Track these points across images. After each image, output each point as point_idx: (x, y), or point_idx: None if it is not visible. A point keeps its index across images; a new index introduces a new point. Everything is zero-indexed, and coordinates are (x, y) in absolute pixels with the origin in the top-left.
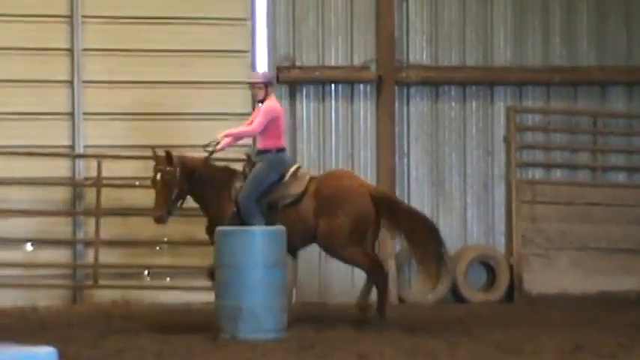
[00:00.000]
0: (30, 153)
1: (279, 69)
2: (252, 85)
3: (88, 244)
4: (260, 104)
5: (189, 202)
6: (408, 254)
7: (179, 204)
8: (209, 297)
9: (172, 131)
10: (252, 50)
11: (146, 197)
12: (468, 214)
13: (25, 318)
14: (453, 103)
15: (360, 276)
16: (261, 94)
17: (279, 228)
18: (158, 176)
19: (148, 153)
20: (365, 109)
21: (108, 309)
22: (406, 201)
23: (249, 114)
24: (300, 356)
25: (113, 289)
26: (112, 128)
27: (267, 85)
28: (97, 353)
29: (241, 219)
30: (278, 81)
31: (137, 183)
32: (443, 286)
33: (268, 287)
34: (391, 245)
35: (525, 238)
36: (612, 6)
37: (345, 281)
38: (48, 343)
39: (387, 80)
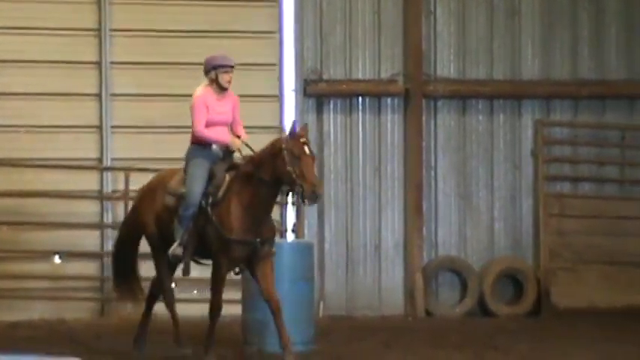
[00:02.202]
0: (58, 166)
1: (306, 82)
2: (227, 69)
3: None
4: (224, 90)
5: None
6: (435, 267)
7: None
8: (236, 310)
9: None
10: (279, 63)
11: None
12: (495, 228)
13: (53, 330)
14: (481, 117)
15: (386, 289)
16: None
17: (307, 242)
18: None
19: (176, 166)
20: (392, 122)
21: (135, 322)
22: (433, 214)
23: (276, 127)
24: None
25: (141, 302)
26: (140, 141)
27: None
28: None
29: None
30: (305, 94)
31: None
32: (471, 299)
33: (295, 301)
34: (418, 258)
35: (553, 252)
36: None
37: (371, 294)
38: (75, 355)
39: (415, 93)
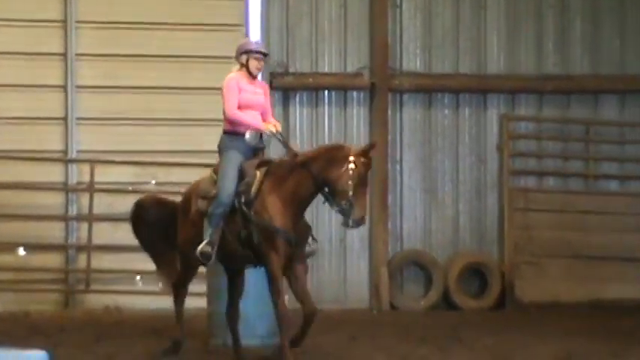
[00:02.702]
0: (23, 157)
1: (272, 75)
2: (258, 55)
3: (80, 248)
4: (255, 78)
5: None
6: (400, 261)
7: None
8: (201, 303)
9: (164, 137)
10: None
11: None
12: (460, 222)
13: (16, 322)
14: (446, 111)
15: (352, 282)
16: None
17: None
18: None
19: (141, 158)
20: (358, 116)
21: (100, 314)
22: (399, 208)
23: None
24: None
25: (105, 294)
26: (105, 133)
27: None
28: (89, 358)
29: None
30: (271, 87)
31: (130, 188)
32: (435, 293)
33: (260, 293)
34: (383, 252)
35: (518, 246)
36: (606, 14)
37: (337, 288)
38: (40, 347)
39: (381, 87)
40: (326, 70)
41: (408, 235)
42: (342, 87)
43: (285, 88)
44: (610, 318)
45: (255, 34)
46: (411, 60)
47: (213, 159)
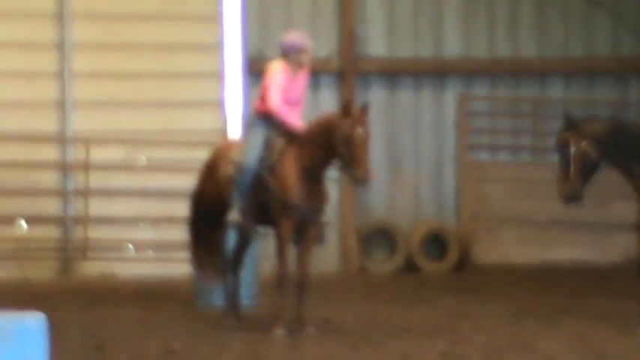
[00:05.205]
0: (24, 138)
1: (250, 60)
2: (308, 50)
3: (77, 220)
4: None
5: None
6: (368, 229)
7: None
8: (187, 268)
9: (152, 117)
10: (225, 44)
11: (129, 178)
12: (421, 193)
13: (17, 288)
14: (408, 92)
15: (324, 249)
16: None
17: None
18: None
19: (131, 137)
20: (329, 98)
21: (95, 280)
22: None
23: (218, 102)
24: (269, 321)
25: (100, 262)
26: (99, 115)
27: None
28: (84, 319)
29: None
30: (250, 73)
31: (122, 164)
32: (400, 257)
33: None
34: (353, 221)
35: (473, 214)
36: (551, 3)
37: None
38: (37, 310)
39: (348, 71)
40: None
41: (375, 205)
42: (313, 71)
43: (262, 73)
44: (556, 278)
45: (235, 24)
46: (376, 45)
47: (195, 137)
